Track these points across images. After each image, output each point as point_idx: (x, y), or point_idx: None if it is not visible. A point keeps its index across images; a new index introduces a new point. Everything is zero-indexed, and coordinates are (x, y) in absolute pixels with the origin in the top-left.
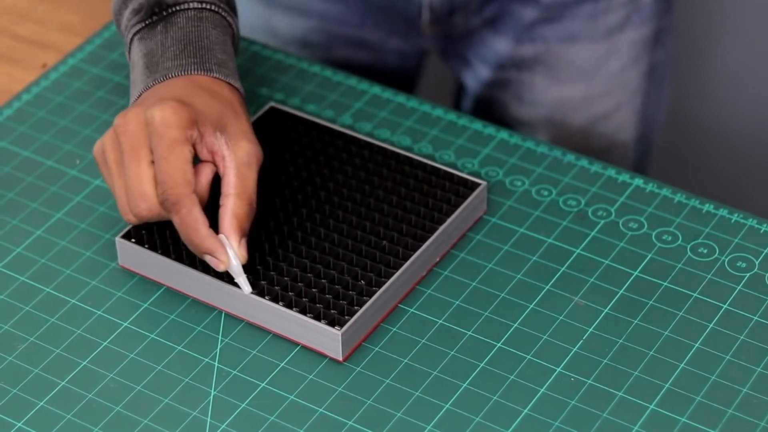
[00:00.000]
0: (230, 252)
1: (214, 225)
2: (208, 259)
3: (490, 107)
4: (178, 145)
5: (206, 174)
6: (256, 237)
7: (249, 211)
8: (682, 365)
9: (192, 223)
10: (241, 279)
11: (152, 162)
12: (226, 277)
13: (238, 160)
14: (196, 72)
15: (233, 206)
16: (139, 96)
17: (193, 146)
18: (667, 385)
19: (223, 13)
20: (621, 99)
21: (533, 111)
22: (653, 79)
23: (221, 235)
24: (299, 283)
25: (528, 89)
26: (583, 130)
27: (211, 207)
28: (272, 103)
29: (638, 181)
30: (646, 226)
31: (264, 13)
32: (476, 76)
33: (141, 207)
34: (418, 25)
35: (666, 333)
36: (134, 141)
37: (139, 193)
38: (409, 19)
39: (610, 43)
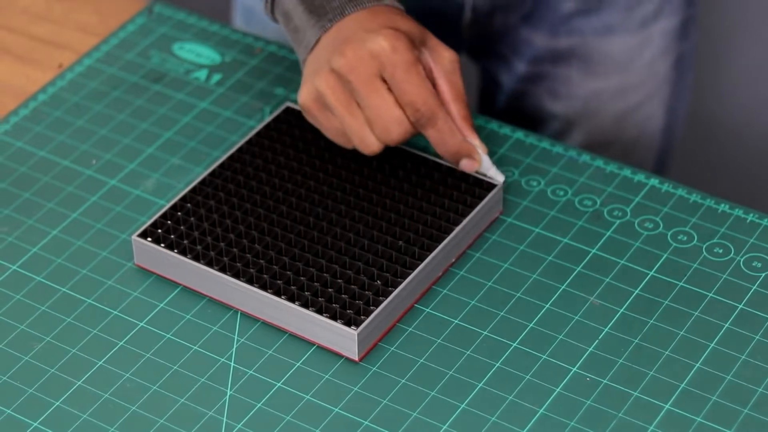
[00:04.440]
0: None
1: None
2: (464, 163)
3: (523, 102)
4: (413, 66)
5: None
6: (272, 237)
7: (469, 110)
8: (698, 365)
9: (449, 132)
10: (493, 170)
11: (388, 89)
12: (243, 276)
13: (444, 69)
14: (369, 4)
15: (457, 110)
16: (318, 40)
17: None
18: (682, 385)
19: None
20: (651, 90)
21: (567, 104)
22: (679, 69)
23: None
24: (315, 283)
25: (562, 83)
26: (615, 122)
27: None
28: (288, 103)
29: (654, 181)
30: (661, 226)
31: None
32: (511, 71)
33: (396, 131)
34: (459, 25)
35: (681, 333)
36: (366, 75)
37: (391, 119)
38: (450, 20)
39: (644, 34)
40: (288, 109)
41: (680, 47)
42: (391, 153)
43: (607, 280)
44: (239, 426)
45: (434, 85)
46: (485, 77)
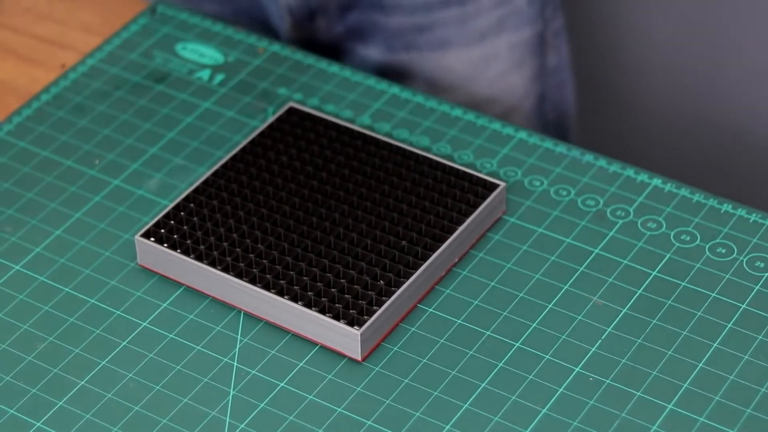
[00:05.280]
0: None
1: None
2: None
3: None
4: None
5: None
6: (275, 237)
7: None
8: (701, 365)
9: None
10: None
11: None
12: (245, 276)
13: None
14: None
15: None
16: None
17: None
18: (685, 385)
19: None
20: (509, 103)
21: None
22: (545, 82)
23: None
24: (318, 283)
25: None
26: None
27: None
28: (291, 103)
29: (657, 181)
30: (664, 226)
31: None
32: None
33: None
34: (282, 28)
35: (684, 333)
36: None
37: None
38: (274, 21)
39: (486, 48)
40: (291, 109)
41: (540, 60)
42: (393, 153)
43: (610, 280)
44: (242, 426)
45: None
46: None
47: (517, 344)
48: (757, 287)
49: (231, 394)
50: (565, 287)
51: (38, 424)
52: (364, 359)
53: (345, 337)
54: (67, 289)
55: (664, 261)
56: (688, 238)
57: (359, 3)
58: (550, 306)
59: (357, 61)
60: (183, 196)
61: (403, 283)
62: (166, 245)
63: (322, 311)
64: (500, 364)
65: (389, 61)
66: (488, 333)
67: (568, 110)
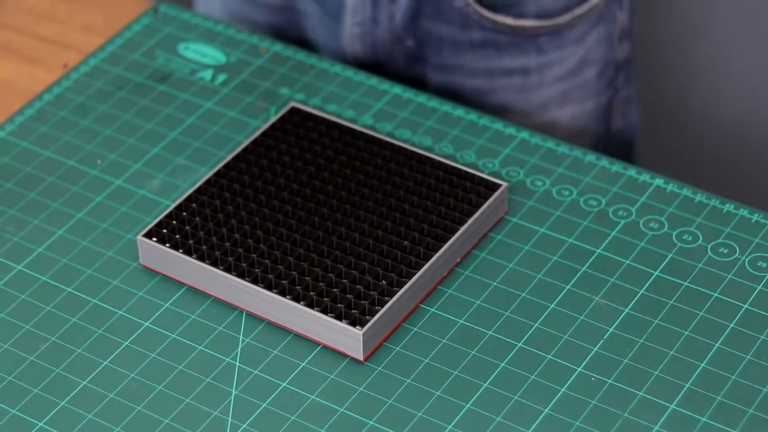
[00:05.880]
0: None
1: None
2: None
3: None
4: None
5: None
6: (277, 237)
7: None
8: (703, 365)
9: None
10: None
11: None
12: (248, 276)
13: None
14: None
15: None
16: None
17: None
18: (687, 385)
19: None
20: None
21: None
22: (610, 146)
23: None
24: (320, 283)
25: None
26: None
27: None
28: (293, 103)
29: (659, 181)
30: (666, 226)
31: None
32: None
33: None
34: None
35: (686, 333)
36: None
37: None
38: (316, 40)
39: (546, 117)
40: (293, 109)
41: (603, 127)
42: (395, 153)
43: (612, 280)
44: (244, 426)
45: None
46: None
47: (519, 344)
48: (759, 287)
49: (233, 394)
50: (567, 287)
51: (40, 424)
52: (366, 359)
53: (347, 337)
54: (69, 289)
55: (666, 261)
56: (690, 238)
57: (423, 58)
58: (552, 306)
59: None
60: (185, 196)
61: (405, 283)
62: (168, 245)
63: (324, 311)
64: (502, 364)
65: None
66: (490, 333)
67: (636, 165)
